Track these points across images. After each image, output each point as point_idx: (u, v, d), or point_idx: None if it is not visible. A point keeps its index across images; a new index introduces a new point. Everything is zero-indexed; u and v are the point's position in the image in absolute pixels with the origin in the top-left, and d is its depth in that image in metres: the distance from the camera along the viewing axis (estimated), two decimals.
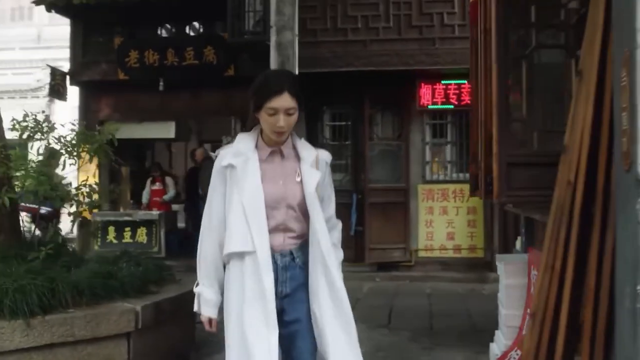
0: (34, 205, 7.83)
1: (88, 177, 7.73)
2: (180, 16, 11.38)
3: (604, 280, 2.76)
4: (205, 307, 2.75)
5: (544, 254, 2.99)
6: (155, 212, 11.59)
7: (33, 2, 10.97)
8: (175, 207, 12.71)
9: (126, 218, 11.70)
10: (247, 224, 2.60)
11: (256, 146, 2.73)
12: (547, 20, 3.63)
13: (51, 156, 5.73)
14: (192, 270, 9.61)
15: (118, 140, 11.41)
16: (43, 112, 5.24)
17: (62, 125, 5.79)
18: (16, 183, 5.27)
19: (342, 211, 10.27)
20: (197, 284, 2.80)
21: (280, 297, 2.67)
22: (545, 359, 2.97)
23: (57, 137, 5.63)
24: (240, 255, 2.63)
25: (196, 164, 12.06)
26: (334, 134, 11.14)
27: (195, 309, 2.81)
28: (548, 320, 2.99)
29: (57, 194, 5.37)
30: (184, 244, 12.01)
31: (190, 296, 2.99)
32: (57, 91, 11.14)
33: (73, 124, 5.88)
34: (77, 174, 12.43)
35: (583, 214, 2.84)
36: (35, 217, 5.78)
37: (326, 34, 10.03)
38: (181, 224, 13.20)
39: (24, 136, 5.50)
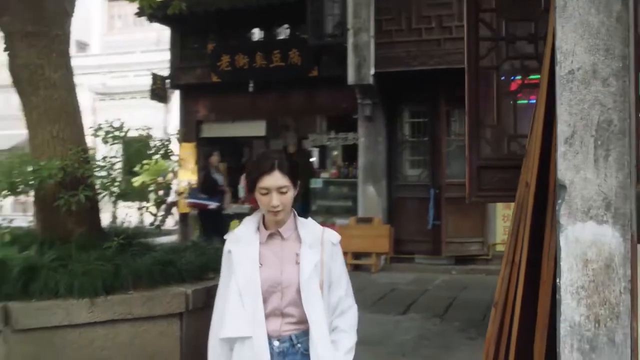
0: (202, 202, 8.80)
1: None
2: (267, 21, 12.09)
3: (549, 275, 3.03)
4: None
5: (506, 248, 3.28)
6: (246, 206, 12.38)
7: (136, 14, 12.04)
8: None
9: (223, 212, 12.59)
10: (243, 309, 2.57)
11: (258, 229, 2.71)
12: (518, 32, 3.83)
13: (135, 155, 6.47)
14: None
15: (214, 138, 12.50)
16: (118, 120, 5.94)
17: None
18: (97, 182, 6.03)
19: (420, 205, 10.67)
20: None
21: None
22: (505, 345, 3.27)
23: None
24: (235, 340, 2.60)
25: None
26: (412, 131, 11.46)
27: None
28: (508, 309, 3.28)
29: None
30: None
31: None
32: (157, 94, 12.18)
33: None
34: (177, 172, 13.55)
35: (536, 212, 3.12)
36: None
37: (401, 34, 10.36)
38: None
39: (106, 140, 6.26)
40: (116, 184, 5.97)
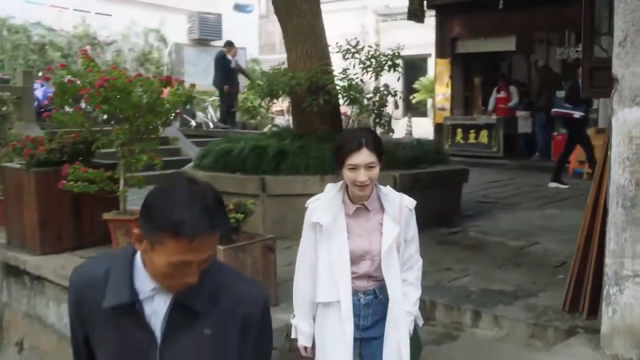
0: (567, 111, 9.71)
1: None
2: None
3: None
4: (300, 336, 2.95)
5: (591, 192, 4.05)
6: (494, 117, 13.15)
7: None
8: (521, 113, 13.73)
9: (471, 122, 13.55)
10: (334, 276, 2.80)
11: (343, 201, 2.82)
12: None
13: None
14: (525, 168, 11.53)
15: (468, 54, 13.68)
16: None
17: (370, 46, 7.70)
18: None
19: None
20: (294, 316, 3.01)
21: (361, 329, 2.87)
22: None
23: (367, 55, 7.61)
24: (327, 304, 2.84)
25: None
26: None
27: (293, 336, 3.02)
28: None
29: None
30: (526, 147, 13.33)
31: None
32: (415, 14, 13.32)
33: (370, 47, 7.71)
34: (434, 85, 14.78)
35: None
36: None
37: None
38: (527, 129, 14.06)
39: (345, 57, 7.73)
40: (351, 92, 7.45)
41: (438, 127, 14.33)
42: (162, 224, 1.63)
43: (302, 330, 2.93)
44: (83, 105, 5.64)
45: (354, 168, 2.66)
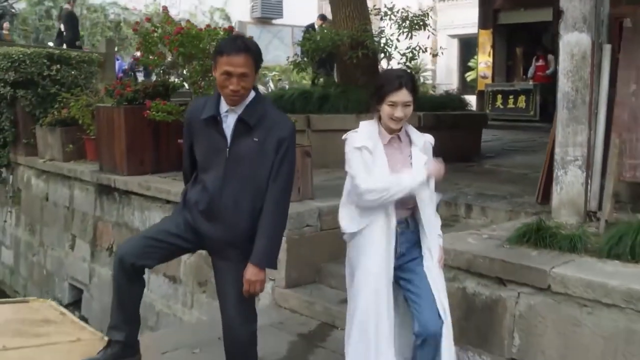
0: None
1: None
2: None
3: None
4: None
5: None
6: (531, 83, 14.03)
7: None
8: None
9: (510, 88, 14.46)
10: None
11: (379, 133, 3.13)
12: None
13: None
14: None
15: (510, 25, 14.62)
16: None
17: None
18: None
19: None
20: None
21: (397, 257, 3.14)
22: None
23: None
24: (374, 223, 3.11)
25: None
26: None
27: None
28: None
29: None
30: None
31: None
32: None
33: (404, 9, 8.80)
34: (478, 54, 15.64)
35: None
36: None
37: None
38: None
39: (382, 18, 8.88)
40: (387, 48, 8.62)
41: (480, 94, 15.27)
42: (215, 52, 3.06)
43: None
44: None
45: (393, 104, 3.02)
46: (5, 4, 18.94)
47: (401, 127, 3.13)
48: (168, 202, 6.35)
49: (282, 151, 3.08)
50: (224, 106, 3.10)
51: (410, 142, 3.19)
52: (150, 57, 6.99)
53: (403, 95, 3.02)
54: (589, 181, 4.39)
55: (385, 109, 3.05)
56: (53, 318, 3.64)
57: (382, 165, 3.07)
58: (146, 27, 6.92)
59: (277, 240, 3.19)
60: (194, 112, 3.21)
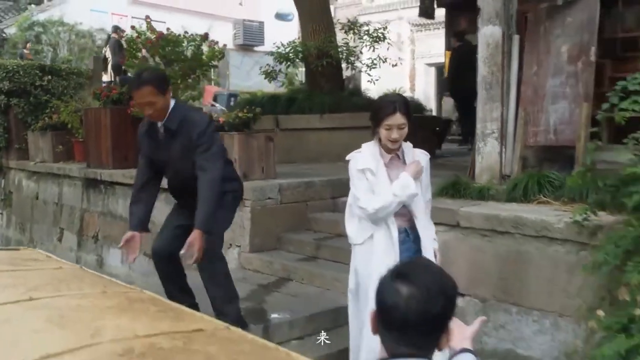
0: None
1: None
2: None
3: None
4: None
5: None
6: None
7: None
8: None
9: None
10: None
11: (380, 153, 3.37)
12: None
13: None
14: None
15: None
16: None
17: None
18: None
19: None
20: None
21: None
22: None
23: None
24: (378, 233, 3.33)
25: None
26: None
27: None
28: None
29: None
30: None
31: None
32: (425, 12, 15.25)
33: (366, 24, 9.72)
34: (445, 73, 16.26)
35: None
36: None
37: None
38: None
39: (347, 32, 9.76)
40: (351, 58, 9.51)
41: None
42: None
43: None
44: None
45: (389, 128, 3.25)
46: None
47: (399, 147, 3.38)
48: None
49: (203, 140, 3.81)
50: (158, 123, 3.90)
51: (405, 160, 3.43)
52: (135, 61, 7.79)
53: (397, 119, 3.25)
54: (504, 149, 5.20)
55: (382, 132, 3.29)
56: (41, 259, 4.30)
57: (384, 182, 3.33)
58: (131, 33, 7.74)
59: (211, 212, 3.76)
60: (141, 130, 4.05)
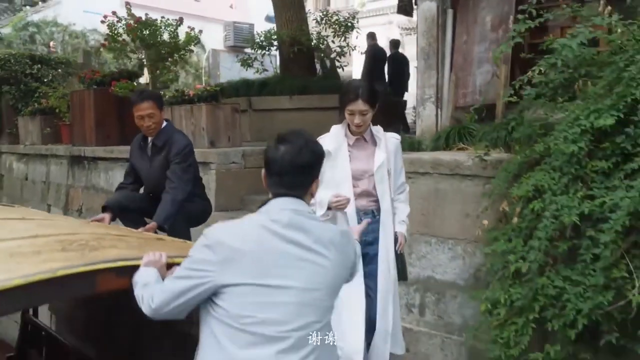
0: None
1: None
2: None
3: None
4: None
5: None
6: None
7: None
8: None
9: None
10: (339, 191, 3.35)
11: (345, 135, 3.49)
12: None
13: None
14: None
15: None
16: None
17: None
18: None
19: None
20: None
21: (363, 245, 3.15)
22: None
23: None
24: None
25: None
26: None
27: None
28: None
29: None
30: None
31: None
32: (404, 10, 15.86)
33: (335, 13, 10.34)
34: None
35: None
36: None
37: None
38: None
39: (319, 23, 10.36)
40: (321, 45, 10.11)
41: None
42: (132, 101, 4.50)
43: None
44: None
45: (352, 113, 3.38)
46: None
47: (364, 130, 3.49)
48: (127, 161, 7.68)
49: (179, 158, 4.38)
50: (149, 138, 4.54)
51: (375, 142, 3.53)
52: (116, 45, 8.39)
53: (359, 105, 3.36)
54: (439, 112, 5.80)
55: (347, 116, 3.43)
56: (31, 213, 4.85)
57: (344, 162, 3.46)
58: (111, 19, 8.34)
59: (171, 215, 4.21)
60: (134, 141, 4.70)
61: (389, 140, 3.56)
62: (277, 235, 2.17)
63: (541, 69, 3.78)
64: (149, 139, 4.48)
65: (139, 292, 2.29)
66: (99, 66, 21.10)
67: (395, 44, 12.71)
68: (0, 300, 2.25)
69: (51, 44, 18.87)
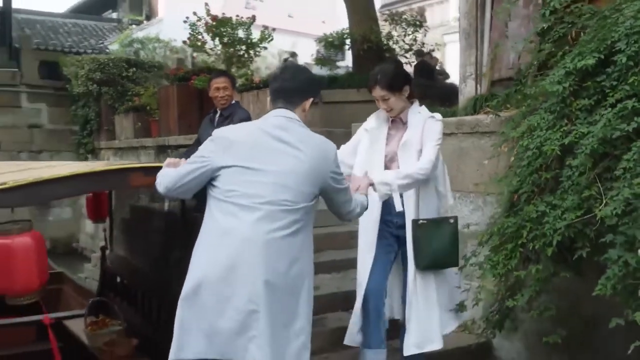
0: None
1: None
2: None
3: None
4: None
5: None
6: None
7: None
8: None
9: None
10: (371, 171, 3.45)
11: (388, 117, 3.60)
12: None
13: None
14: None
15: None
16: None
17: None
18: None
19: None
20: None
21: (395, 227, 3.63)
22: None
23: None
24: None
25: None
26: None
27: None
28: None
29: None
30: None
31: None
32: None
33: (404, 13, 10.82)
34: None
35: None
36: None
37: None
38: None
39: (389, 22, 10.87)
40: (390, 43, 10.62)
41: None
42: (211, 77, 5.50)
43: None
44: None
45: (376, 99, 3.53)
46: (102, 45, 22.12)
47: (397, 113, 3.55)
48: None
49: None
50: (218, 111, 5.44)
51: (413, 123, 3.55)
52: (198, 43, 9.25)
53: (377, 92, 3.46)
54: (478, 87, 6.15)
55: (376, 102, 3.58)
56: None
57: (381, 142, 3.59)
58: (193, 21, 9.22)
59: None
60: (204, 121, 5.69)
61: (426, 120, 3.58)
62: (267, 133, 2.75)
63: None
64: (218, 111, 5.24)
65: (159, 180, 2.86)
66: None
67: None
68: (54, 185, 2.92)
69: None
